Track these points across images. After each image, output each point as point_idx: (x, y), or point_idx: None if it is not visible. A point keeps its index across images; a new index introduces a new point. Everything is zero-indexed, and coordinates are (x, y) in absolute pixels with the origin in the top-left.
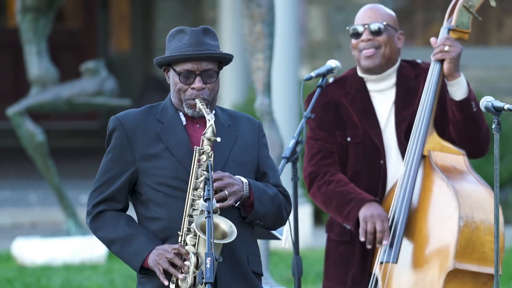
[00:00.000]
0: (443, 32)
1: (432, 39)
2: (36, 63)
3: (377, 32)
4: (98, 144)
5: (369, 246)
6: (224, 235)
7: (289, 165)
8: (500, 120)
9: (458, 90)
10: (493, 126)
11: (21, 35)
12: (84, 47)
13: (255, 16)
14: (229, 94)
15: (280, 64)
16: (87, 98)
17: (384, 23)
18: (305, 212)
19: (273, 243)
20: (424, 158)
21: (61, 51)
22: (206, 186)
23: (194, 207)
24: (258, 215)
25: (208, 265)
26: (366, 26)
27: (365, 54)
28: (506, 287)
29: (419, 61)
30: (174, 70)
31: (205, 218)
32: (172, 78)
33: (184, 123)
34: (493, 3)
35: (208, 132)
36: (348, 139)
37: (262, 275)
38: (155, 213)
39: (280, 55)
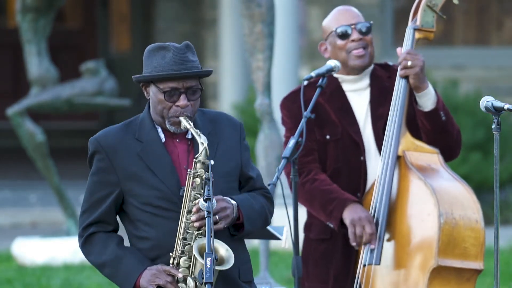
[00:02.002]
0: (408, 32)
1: (398, 50)
2: (36, 63)
3: (365, 32)
4: None
5: (357, 248)
6: (221, 261)
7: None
8: (500, 120)
9: (427, 101)
10: (493, 126)
11: (21, 35)
12: (84, 47)
13: (255, 16)
14: (229, 94)
15: (280, 64)
16: (87, 98)
17: (371, 22)
18: (305, 212)
19: (273, 243)
20: (399, 158)
21: (61, 51)
22: (206, 186)
23: (188, 231)
24: (247, 233)
25: (208, 265)
26: (353, 26)
27: (356, 54)
28: (506, 287)
29: (390, 63)
30: (158, 87)
31: (205, 217)
32: (155, 95)
33: (163, 140)
34: (455, 1)
35: (202, 156)
36: (327, 137)
37: (253, 281)
38: (144, 232)
39: (280, 55)
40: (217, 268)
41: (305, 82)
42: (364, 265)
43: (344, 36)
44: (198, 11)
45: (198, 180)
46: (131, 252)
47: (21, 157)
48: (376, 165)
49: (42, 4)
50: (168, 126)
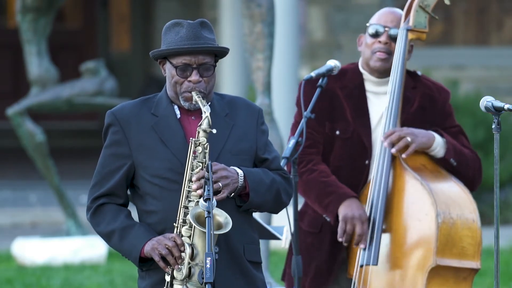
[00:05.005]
0: (401, 33)
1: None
2: (36, 63)
3: (395, 39)
4: (98, 144)
5: (345, 244)
6: (219, 226)
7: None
8: (500, 120)
9: (438, 151)
10: (493, 126)
11: (21, 35)
12: (84, 47)
13: (255, 16)
14: (229, 94)
15: (280, 64)
16: (87, 98)
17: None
18: None
19: (273, 243)
20: (394, 159)
21: (61, 51)
22: (206, 186)
23: (189, 199)
24: (253, 205)
25: (208, 265)
26: (387, 29)
27: (379, 56)
28: (506, 287)
29: (419, 73)
30: (171, 63)
31: (205, 218)
32: (169, 71)
33: (179, 116)
34: (447, 2)
35: (204, 124)
36: (337, 132)
37: (261, 263)
38: (151, 206)
39: (280, 55)
40: (216, 232)
41: (303, 82)
42: (361, 266)
43: (374, 34)
44: (198, 11)
45: (200, 148)
46: (140, 224)
47: (21, 157)
48: None
49: (42, 4)
50: (182, 102)
